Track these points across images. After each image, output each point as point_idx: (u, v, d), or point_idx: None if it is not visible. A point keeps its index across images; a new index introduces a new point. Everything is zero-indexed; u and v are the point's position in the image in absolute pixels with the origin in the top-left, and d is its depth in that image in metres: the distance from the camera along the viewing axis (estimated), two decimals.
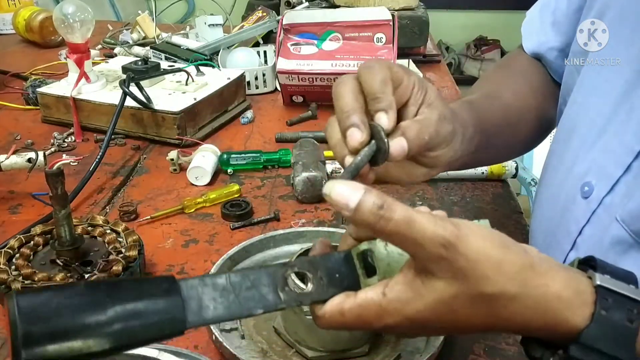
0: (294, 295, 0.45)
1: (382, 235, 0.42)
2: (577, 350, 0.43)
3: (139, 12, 1.74)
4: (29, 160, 0.89)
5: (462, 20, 4.30)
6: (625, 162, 0.61)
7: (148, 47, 1.57)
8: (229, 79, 1.25)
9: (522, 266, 0.43)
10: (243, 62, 1.43)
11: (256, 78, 1.40)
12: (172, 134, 1.11)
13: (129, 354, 0.49)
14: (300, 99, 1.32)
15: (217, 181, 1.01)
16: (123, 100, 1.07)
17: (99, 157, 0.99)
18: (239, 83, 1.29)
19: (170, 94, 1.18)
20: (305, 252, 0.64)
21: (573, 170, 0.67)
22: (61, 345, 0.35)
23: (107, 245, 0.73)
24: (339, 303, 0.45)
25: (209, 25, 1.60)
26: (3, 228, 0.86)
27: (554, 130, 0.79)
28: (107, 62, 1.39)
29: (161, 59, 1.47)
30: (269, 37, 1.60)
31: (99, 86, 1.20)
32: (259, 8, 1.68)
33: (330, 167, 0.98)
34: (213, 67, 1.37)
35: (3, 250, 0.70)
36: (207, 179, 0.99)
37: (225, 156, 1.03)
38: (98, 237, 0.75)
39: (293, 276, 0.45)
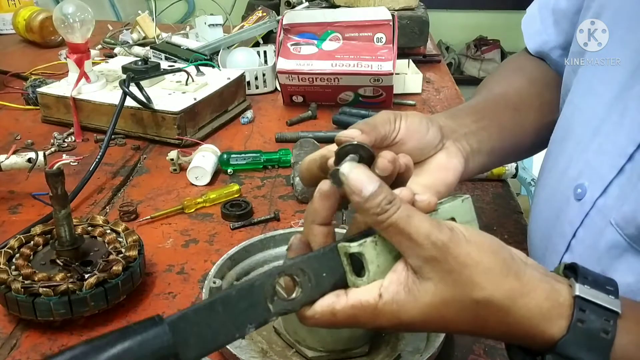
0: (283, 304, 0.44)
1: (381, 227, 0.43)
2: (552, 359, 0.44)
3: (139, 12, 1.74)
4: (29, 160, 0.89)
5: (462, 20, 4.30)
6: (619, 164, 0.60)
7: (148, 47, 1.57)
8: (229, 79, 1.25)
9: (509, 274, 0.43)
10: (243, 62, 1.43)
11: (256, 78, 1.40)
12: (172, 134, 1.11)
13: None
14: (300, 99, 1.32)
15: (217, 181, 1.01)
16: (123, 100, 1.07)
17: (99, 157, 0.99)
18: (239, 83, 1.29)
19: (170, 94, 1.18)
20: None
21: (567, 172, 0.67)
22: None
23: (107, 245, 0.73)
24: (331, 304, 0.45)
25: (209, 25, 1.60)
26: (3, 228, 0.86)
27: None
28: (107, 62, 1.39)
29: (161, 59, 1.47)
30: (269, 37, 1.60)
31: (99, 86, 1.20)
32: (259, 8, 1.68)
33: None
34: (213, 67, 1.37)
35: (3, 250, 0.70)
36: (207, 179, 0.99)
37: (225, 156, 1.03)
38: (98, 237, 0.75)
39: (281, 281, 0.45)
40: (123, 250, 0.71)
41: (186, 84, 1.20)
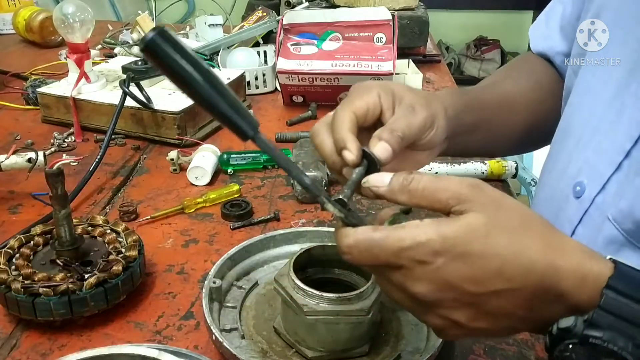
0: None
1: (416, 194, 0.46)
2: (610, 295, 0.42)
3: (139, 12, 1.74)
4: (29, 160, 0.89)
5: (462, 20, 4.30)
6: (616, 161, 0.61)
7: None
8: (229, 79, 1.25)
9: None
10: (243, 62, 1.43)
11: (256, 78, 1.40)
12: (172, 134, 1.11)
13: (128, 354, 0.49)
14: (300, 99, 1.32)
15: (217, 181, 1.01)
16: (123, 100, 1.07)
17: (99, 157, 0.99)
18: (239, 83, 1.29)
19: (170, 94, 1.18)
20: (306, 252, 0.64)
21: (567, 171, 0.68)
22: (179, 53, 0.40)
23: (107, 245, 0.73)
24: (372, 227, 0.46)
25: (209, 25, 1.60)
26: (3, 228, 0.86)
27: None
28: (107, 62, 1.39)
29: None
30: (269, 37, 1.60)
31: (99, 86, 1.20)
32: (259, 8, 1.69)
33: None
34: (213, 67, 1.37)
35: (3, 250, 0.70)
36: (207, 179, 0.99)
37: (225, 156, 1.03)
38: (98, 237, 0.75)
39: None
40: (123, 250, 0.71)
41: None
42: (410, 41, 1.60)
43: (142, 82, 1.13)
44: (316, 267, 0.66)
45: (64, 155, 1.08)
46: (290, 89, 1.30)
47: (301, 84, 1.27)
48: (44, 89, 1.22)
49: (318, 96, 1.29)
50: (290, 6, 1.64)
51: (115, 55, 1.59)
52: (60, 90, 1.20)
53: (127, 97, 1.08)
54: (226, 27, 1.70)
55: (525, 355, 0.64)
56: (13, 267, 0.68)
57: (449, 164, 1.01)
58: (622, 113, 0.62)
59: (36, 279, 0.66)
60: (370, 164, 0.53)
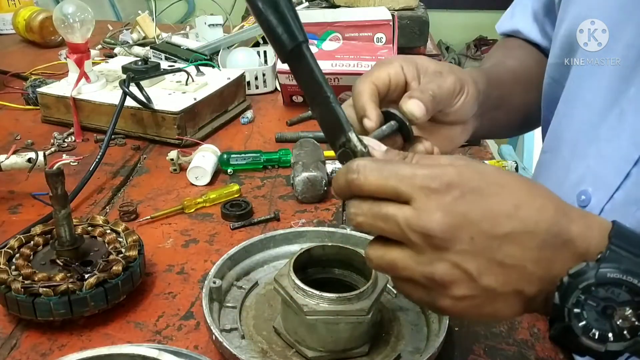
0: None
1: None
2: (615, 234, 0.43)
3: (139, 12, 1.74)
4: (29, 160, 0.89)
5: (462, 20, 4.30)
6: (624, 170, 0.61)
7: (148, 47, 1.57)
8: (229, 79, 1.25)
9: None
10: (243, 62, 1.43)
11: (256, 78, 1.40)
12: (172, 134, 1.11)
13: (129, 354, 0.49)
14: (300, 99, 1.32)
15: (217, 181, 1.01)
16: (123, 100, 1.07)
17: (99, 157, 0.99)
18: (239, 83, 1.29)
19: (170, 94, 1.18)
20: (306, 252, 0.64)
21: (567, 180, 0.68)
22: None
23: (107, 245, 0.73)
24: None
25: (209, 25, 1.60)
26: (3, 228, 0.86)
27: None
28: (107, 62, 1.39)
29: (161, 59, 1.47)
30: None
31: (99, 86, 1.20)
32: None
33: (330, 167, 0.98)
34: (213, 67, 1.37)
35: (3, 250, 0.70)
36: (207, 179, 0.99)
37: (225, 156, 1.03)
38: (98, 237, 0.75)
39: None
40: (123, 250, 0.71)
41: (186, 84, 1.20)
42: (410, 41, 1.59)
43: (142, 82, 1.13)
44: (316, 267, 0.66)
45: (64, 155, 1.08)
46: (290, 89, 1.30)
47: None
48: (44, 89, 1.22)
49: None
50: None
51: (115, 55, 1.58)
52: (60, 90, 1.20)
53: (127, 97, 1.08)
54: (226, 27, 1.70)
55: (525, 355, 0.64)
56: (13, 267, 0.68)
57: None
58: (622, 120, 0.62)
59: (36, 279, 0.66)
60: (401, 125, 0.52)
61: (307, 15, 1.32)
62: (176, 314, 0.69)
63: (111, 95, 1.16)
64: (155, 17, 1.83)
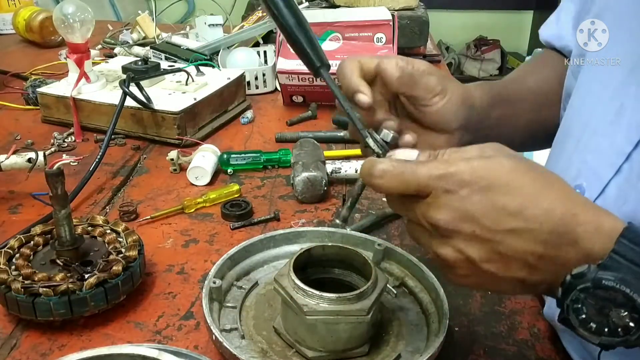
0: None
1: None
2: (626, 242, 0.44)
3: (139, 12, 1.74)
4: (29, 160, 0.89)
5: (462, 20, 4.30)
6: (616, 164, 0.60)
7: (148, 47, 1.57)
8: (229, 79, 1.25)
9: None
10: (243, 62, 1.43)
11: (256, 78, 1.40)
12: (172, 134, 1.11)
13: (128, 354, 0.49)
14: (300, 99, 1.32)
15: (217, 181, 1.01)
16: (123, 100, 1.07)
17: (99, 157, 0.99)
18: (239, 83, 1.29)
19: (170, 94, 1.18)
20: (306, 252, 0.64)
21: (566, 173, 0.67)
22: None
23: (107, 245, 0.73)
24: (420, 162, 0.49)
25: (209, 25, 1.60)
26: (3, 228, 0.86)
27: None
28: (107, 62, 1.39)
29: (161, 59, 1.47)
30: (269, 37, 1.60)
31: (99, 86, 1.20)
32: (259, 8, 1.69)
33: (330, 167, 0.98)
34: (213, 67, 1.37)
35: (3, 250, 0.70)
36: (207, 179, 0.99)
37: (225, 156, 1.03)
38: (98, 237, 0.75)
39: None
40: (123, 250, 0.71)
41: (186, 84, 1.20)
42: (410, 41, 1.60)
43: (142, 82, 1.13)
44: (316, 267, 0.66)
45: (64, 155, 1.08)
46: (290, 89, 1.30)
47: (301, 84, 1.27)
48: (44, 89, 1.22)
49: (318, 96, 1.29)
50: None
51: (115, 55, 1.59)
52: (60, 90, 1.20)
53: (127, 97, 1.08)
54: (226, 27, 1.70)
55: (525, 355, 0.64)
56: (13, 267, 0.68)
57: None
58: (621, 114, 0.62)
59: (36, 279, 0.66)
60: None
61: (307, 15, 1.32)
62: (176, 314, 0.69)
63: (111, 95, 1.16)
64: (155, 17, 1.83)
